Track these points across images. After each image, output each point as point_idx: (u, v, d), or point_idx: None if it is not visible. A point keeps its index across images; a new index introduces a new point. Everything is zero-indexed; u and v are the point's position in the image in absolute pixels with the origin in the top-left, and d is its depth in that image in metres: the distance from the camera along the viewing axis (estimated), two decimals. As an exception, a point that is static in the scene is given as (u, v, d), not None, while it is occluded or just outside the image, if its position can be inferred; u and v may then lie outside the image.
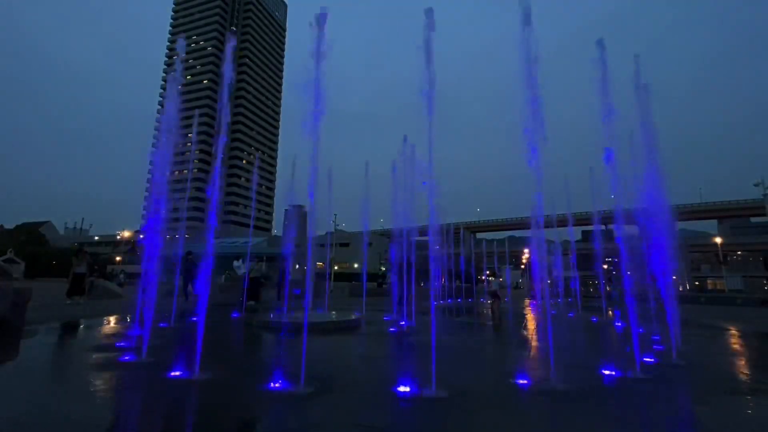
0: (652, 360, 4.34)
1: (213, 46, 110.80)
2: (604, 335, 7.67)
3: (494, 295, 9.60)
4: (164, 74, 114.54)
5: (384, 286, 21.93)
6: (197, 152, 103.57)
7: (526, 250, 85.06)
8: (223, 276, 28.26)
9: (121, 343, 4.84)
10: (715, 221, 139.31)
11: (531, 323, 9.62)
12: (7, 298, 6.33)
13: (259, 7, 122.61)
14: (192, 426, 2.42)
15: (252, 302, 12.49)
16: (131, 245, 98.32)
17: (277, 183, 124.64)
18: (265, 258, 50.44)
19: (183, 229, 8.84)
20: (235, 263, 14.87)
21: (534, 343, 6.21)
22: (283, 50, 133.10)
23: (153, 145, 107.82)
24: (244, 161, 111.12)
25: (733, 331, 8.02)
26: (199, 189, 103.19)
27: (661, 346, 5.20)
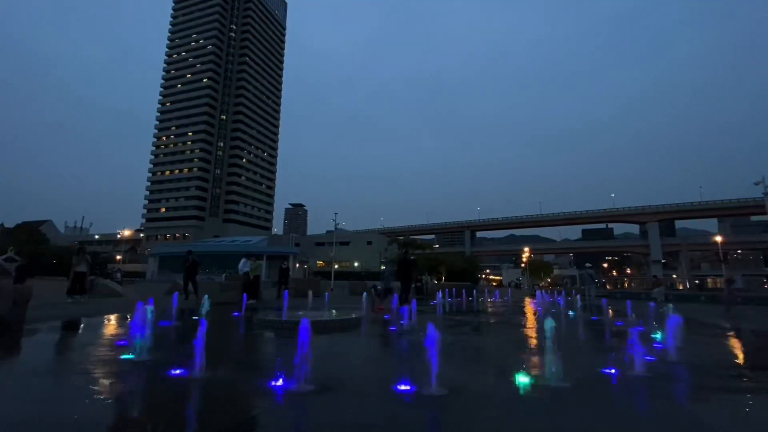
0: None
1: (213, 44, 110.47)
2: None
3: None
4: (164, 73, 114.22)
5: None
6: (198, 151, 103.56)
7: (526, 249, 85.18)
8: (224, 275, 28.29)
9: (121, 342, 4.85)
10: (715, 220, 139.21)
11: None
12: (8, 296, 6.37)
13: (259, 6, 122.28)
14: (194, 424, 2.42)
15: (252, 301, 12.49)
16: (132, 245, 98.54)
17: (277, 182, 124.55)
18: (265, 257, 50.46)
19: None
20: (242, 262, 14.88)
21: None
22: (282, 49, 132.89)
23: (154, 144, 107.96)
24: (244, 160, 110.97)
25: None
26: (200, 188, 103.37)
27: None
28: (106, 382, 3.25)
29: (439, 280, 45.06)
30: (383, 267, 12.38)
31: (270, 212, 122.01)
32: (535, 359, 4.61)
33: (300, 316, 3.23)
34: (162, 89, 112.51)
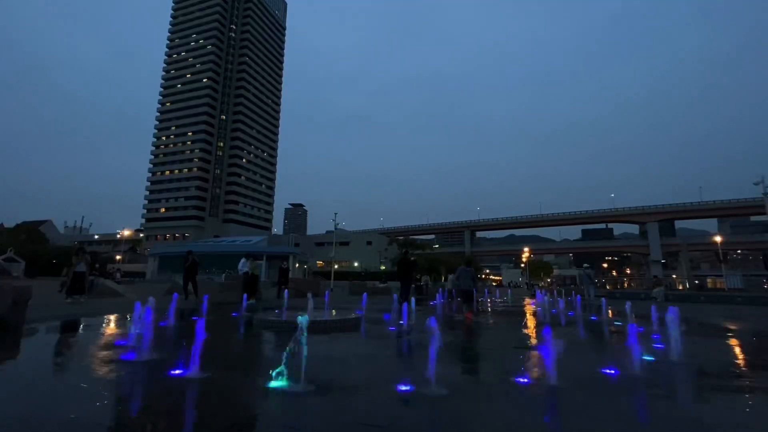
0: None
1: (213, 44, 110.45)
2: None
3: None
4: (164, 73, 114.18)
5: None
6: (198, 151, 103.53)
7: (526, 249, 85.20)
8: (224, 275, 28.31)
9: (121, 342, 4.85)
10: (715, 220, 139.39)
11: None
12: (8, 296, 6.36)
13: (259, 6, 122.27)
14: (194, 424, 2.42)
15: (252, 300, 12.49)
16: (132, 245, 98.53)
17: (276, 182, 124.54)
18: (265, 257, 50.41)
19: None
20: (241, 262, 14.90)
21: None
22: (282, 48, 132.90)
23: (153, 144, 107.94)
24: (244, 160, 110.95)
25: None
26: (199, 188, 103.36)
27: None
28: (105, 382, 3.25)
29: (438, 280, 45.09)
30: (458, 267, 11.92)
31: (270, 212, 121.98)
32: (534, 359, 4.61)
33: (300, 317, 3.23)
34: (162, 89, 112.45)
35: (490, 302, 17.87)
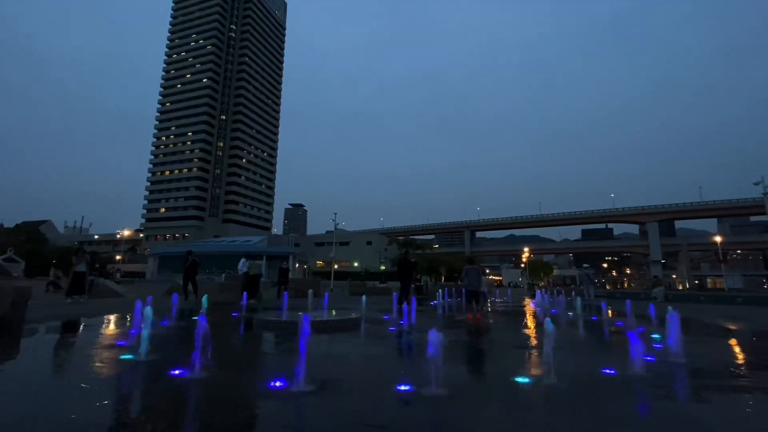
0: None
1: (213, 44, 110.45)
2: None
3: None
4: (164, 73, 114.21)
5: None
6: (198, 151, 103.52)
7: (526, 249, 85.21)
8: (224, 275, 28.32)
9: (121, 342, 4.85)
10: (714, 220, 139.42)
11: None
12: (8, 296, 6.35)
13: (259, 6, 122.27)
14: (194, 424, 2.42)
15: (252, 301, 12.49)
16: (132, 245, 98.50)
17: (277, 182, 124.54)
18: (265, 257, 50.42)
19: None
20: (241, 261, 14.92)
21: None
22: (282, 48, 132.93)
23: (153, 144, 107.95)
24: (243, 160, 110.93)
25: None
26: (199, 188, 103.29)
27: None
28: (105, 382, 3.25)
29: (438, 280, 45.08)
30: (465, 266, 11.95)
31: (270, 212, 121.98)
32: (534, 359, 4.61)
33: (300, 316, 3.23)
34: (162, 89, 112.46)
35: (490, 302, 17.85)
